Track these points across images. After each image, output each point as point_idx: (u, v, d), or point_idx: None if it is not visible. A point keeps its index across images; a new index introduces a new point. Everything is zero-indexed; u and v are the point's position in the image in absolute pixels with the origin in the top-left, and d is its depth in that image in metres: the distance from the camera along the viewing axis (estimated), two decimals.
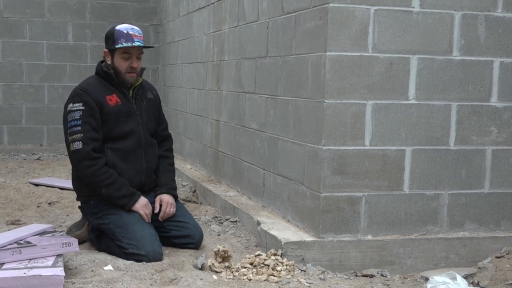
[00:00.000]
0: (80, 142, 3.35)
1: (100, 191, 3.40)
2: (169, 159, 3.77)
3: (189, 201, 4.99)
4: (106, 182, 3.36)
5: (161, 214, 3.53)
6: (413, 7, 3.22)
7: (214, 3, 5.24)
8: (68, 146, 3.41)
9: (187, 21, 6.36)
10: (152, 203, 3.54)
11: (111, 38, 3.48)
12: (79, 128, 3.36)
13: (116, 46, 3.45)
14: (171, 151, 3.82)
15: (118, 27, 3.49)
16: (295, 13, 3.55)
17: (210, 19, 5.37)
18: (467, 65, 3.33)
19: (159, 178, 3.67)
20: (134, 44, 3.45)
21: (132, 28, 3.49)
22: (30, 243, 2.96)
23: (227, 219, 4.09)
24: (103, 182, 3.36)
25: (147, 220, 3.43)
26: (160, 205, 3.56)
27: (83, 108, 3.39)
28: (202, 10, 5.67)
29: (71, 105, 3.42)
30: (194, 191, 5.15)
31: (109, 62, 3.52)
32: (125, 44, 3.44)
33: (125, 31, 3.46)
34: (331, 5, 3.14)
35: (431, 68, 3.28)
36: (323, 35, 3.19)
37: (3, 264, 2.84)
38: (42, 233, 3.15)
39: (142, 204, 3.43)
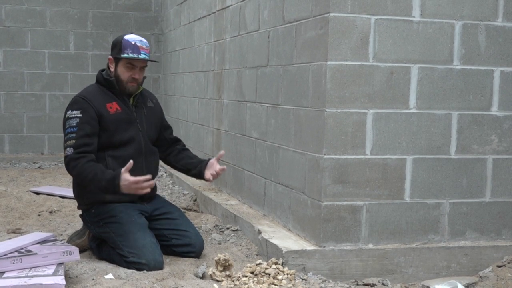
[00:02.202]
0: (71, 148, 3.36)
1: (90, 189, 3.38)
2: (190, 151, 3.87)
3: (190, 210, 4.99)
4: (89, 177, 3.32)
5: (218, 156, 3.67)
6: (414, 17, 3.24)
7: (215, 12, 5.26)
8: (63, 152, 3.44)
9: (188, 31, 6.38)
10: (156, 209, 3.57)
11: (117, 46, 3.50)
12: (73, 135, 3.38)
13: (122, 56, 3.47)
14: (186, 147, 3.92)
15: (127, 37, 3.50)
16: (296, 23, 3.57)
17: (211, 29, 5.39)
18: (468, 74, 3.34)
19: (195, 159, 3.78)
20: (139, 56, 3.47)
21: (141, 40, 3.51)
22: (31, 251, 2.96)
23: (228, 228, 4.09)
24: (87, 178, 3.33)
25: (146, 191, 3.32)
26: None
27: (80, 115, 3.40)
28: (203, 20, 5.69)
29: (69, 112, 3.45)
30: (195, 200, 5.15)
31: (112, 69, 3.54)
32: (130, 55, 3.46)
33: (133, 42, 3.47)
34: (332, 14, 3.15)
35: (432, 77, 3.29)
36: (324, 44, 3.20)
37: (4, 272, 2.84)
38: (43, 242, 3.15)
39: (128, 187, 3.28)
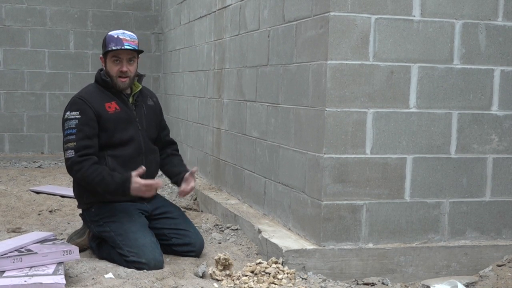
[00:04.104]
0: (72, 150, 3.35)
1: (96, 190, 3.39)
2: (179, 156, 3.84)
3: (190, 209, 4.99)
4: (96, 180, 3.33)
5: (189, 189, 3.56)
6: (414, 16, 3.24)
7: (215, 11, 5.26)
8: (64, 154, 3.43)
9: (188, 30, 6.38)
10: (156, 209, 3.58)
11: (103, 43, 3.53)
12: (73, 136, 3.37)
13: (106, 50, 3.48)
14: (178, 151, 3.88)
15: (111, 32, 3.52)
16: (296, 22, 3.57)
17: (211, 28, 5.39)
18: (468, 74, 3.34)
19: (177, 168, 3.70)
20: (123, 47, 3.46)
21: (123, 33, 3.50)
22: (31, 251, 2.96)
23: (228, 227, 4.09)
24: (94, 181, 3.33)
25: (153, 193, 3.40)
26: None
27: (79, 116, 3.40)
28: (203, 19, 5.69)
29: (68, 113, 3.44)
30: (195, 199, 5.15)
31: (104, 68, 3.55)
32: (114, 48, 3.45)
33: (116, 36, 3.48)
34: (332, 13, 3.15)
35: (432, 76, 3.29)
36: (324, 43, 3.20)
37: (4, 272, 2.84)
38: (43, 241, 3.15)
39: (137, 189, 3.33)
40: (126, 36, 3.49)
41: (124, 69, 3.49)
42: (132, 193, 3.34)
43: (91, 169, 3.33)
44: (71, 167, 3.37)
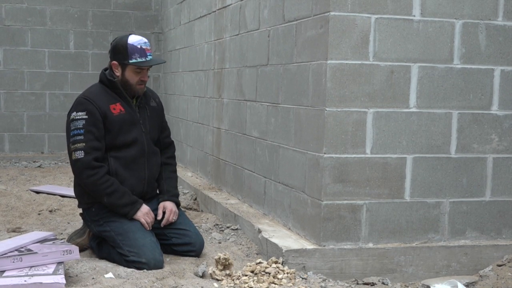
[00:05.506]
0: (82, 151, 3.35)
1: (102, 200, 3.40)
2: (171, 166, 3.78)
3: (190, 209, 4.99)
4: (107, 191, 3.36)
5: (163, 222, 3.54)
6: (414, 16, 3.24)
7: (215, 11, 5.26)
8: (70, 155, 3.42)
9: (188, 29, 6.38)
10: (154, 210, 3.55)
11: (123, 52, 3.44)
12: (81, 137, 3.36)
13: (131, 62, 3.43)
14: (173, 158, 3.82)
15: (130, 41, 3.45)
16: (296, 22, 3.57)
17: (211, 27, 5.39)
18: (468, 74, 3.34)
19: (162, 185, 3.68)
20: (147, 58, 3.46)
21: (145, 42, 3.48)
22: (31, 250, 2.96)
23: (228, 227, 4.09)
24: (104, 191, 3.36)
25: (148, 229, 3.43)
26: (163, 212, 3.57)
27: (86, 117, 3.39)
28: (203, 19, 5.69)
29: (74, 113, 3.42)
30: (195, 199, 5.15)
31: (118, 74, 3.49)
32: (139, 60, 3.43)
33: (139, 46, 3.44)
34: (332, 13, 3.15)
35: (432, 76, 3.29)
36: (324, 43, 3.20)
37: (4, 271, 2.84)
38: (43, 241, 3.15)
39: (143, 213, 3.43)
40: (147, 46, 3.48)
41: (146, 78, 3.52)
42: (136, 215, 3.41)
43: (104, 178, 3.36)
44: (83, 170, 3.36)
